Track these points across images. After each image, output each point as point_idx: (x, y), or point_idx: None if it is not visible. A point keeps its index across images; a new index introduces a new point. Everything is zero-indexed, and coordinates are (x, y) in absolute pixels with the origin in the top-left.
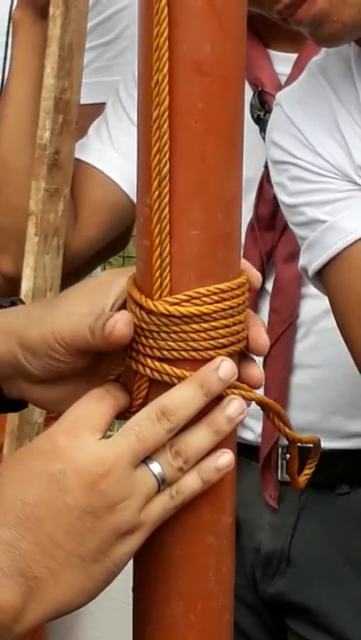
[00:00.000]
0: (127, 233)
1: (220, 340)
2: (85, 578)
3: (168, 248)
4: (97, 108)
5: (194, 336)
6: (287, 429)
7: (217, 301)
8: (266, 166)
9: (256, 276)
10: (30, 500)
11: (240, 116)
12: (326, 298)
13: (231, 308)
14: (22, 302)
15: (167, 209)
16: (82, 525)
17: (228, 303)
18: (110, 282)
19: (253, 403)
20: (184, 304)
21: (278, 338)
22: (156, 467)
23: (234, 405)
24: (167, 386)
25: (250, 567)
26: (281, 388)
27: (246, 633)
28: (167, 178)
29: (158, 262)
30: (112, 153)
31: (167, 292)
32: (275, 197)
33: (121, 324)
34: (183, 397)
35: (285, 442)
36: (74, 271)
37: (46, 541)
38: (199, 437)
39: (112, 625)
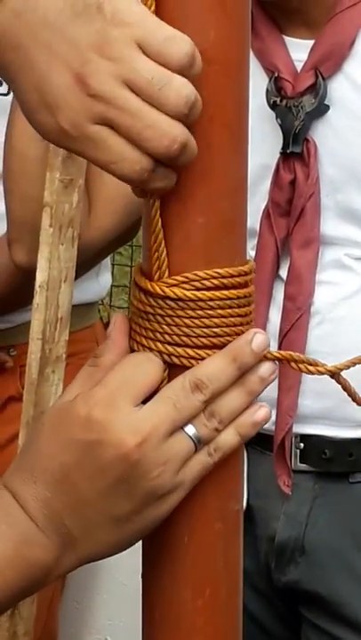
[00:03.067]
0: (138, 223)
1: (215, 330)
2: (118, 535)
3: (166, 246)
4: None
5: (187, 322)
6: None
7: (217, 287)
8: (281, 152)
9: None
10: (68, 463)
11: (245, 103)
12: (341, 285)
13: (230, 298)
14: None
15: (170, 196)
16: (117, 491)
17: (225, 292)
18: None
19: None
20: (183, 286)
21: (293, 325)
22: (190, 429)
23: (266, 366)
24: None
25: (264, 556)
26: (295, 376)
27: (260, 621)
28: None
29: (161, 249)
30: None
31: (167, 276)
32: (290, 183)
33: None
34: (217, 370)
35: (299, 431)
36: (87, 261)
37: (81, 503)
38: (233, 398)
39: (124, 614)
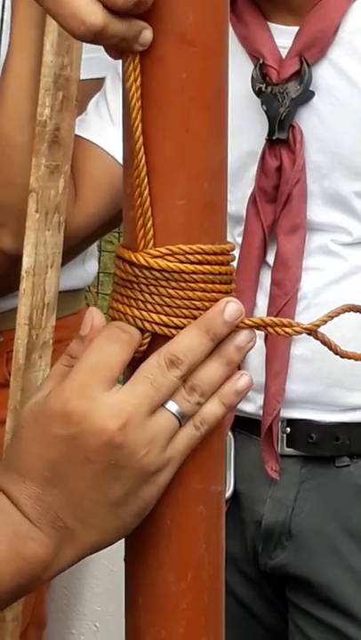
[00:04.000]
0: None
1: (196, 302)
2: (117, 520)
3: (152, 217)
4: (96, 84)
5: (171, 292)
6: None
7: (200, 262)
8: (267, 139)
9: None
10: (53, 459)
11: (224, 86)
12: (328, 270)
13: (212, 273)
14: None
15: (147, 179)
16: (106, 476)
17: (208, 267)
18: None
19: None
20: (167, 258)
21: (280, 310)
22: (172, 405)
23: (242, 335)
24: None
25: (250, 540)
26: (282, 360)
27: (247, 605)
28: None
29: (142, 232)
30: (111, 129)
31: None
32: (276, 170)
33: None
34: (190, 344)
35: (286, 415)
36: (73, 247)
37: (73, 494)
38: (212, 370)
39: (113, 600)
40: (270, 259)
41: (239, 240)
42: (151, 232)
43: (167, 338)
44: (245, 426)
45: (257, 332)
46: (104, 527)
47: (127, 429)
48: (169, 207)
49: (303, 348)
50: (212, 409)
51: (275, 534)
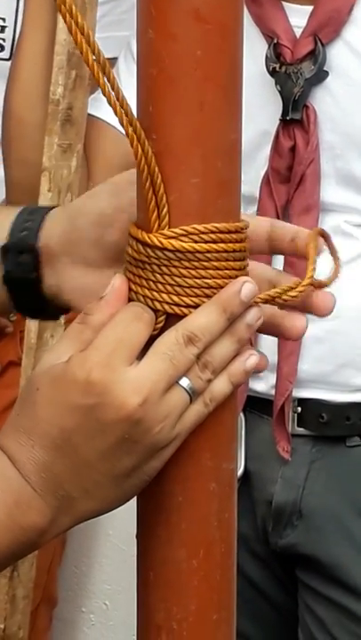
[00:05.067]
0: None
1: (208, 281)
2: (118, 491)
3: (165, 195)
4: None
5: (183, 272)
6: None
7: (214, 241)
8: (281, 119)
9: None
10: (67, 427)
11: (239, 64)
12: (341, 251)
13: (226, 251)
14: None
15: (160, 157)
16: (118, 450)
17: (222, 245)
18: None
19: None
20: (181, 238)
21: None
22: (185, 381)
23: (252, 312)
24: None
25: (261, 519)
26: (295, 342)
27: (257, 584)
28: (164, 125)
29: (156, 212)
30: None
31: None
32: (290, 150)
33: None
34: (208, 322)
35: (297, 395)
36: None
37: (82, 465)
38: (224, 347)
39: (123, 579)
40: None
41: None
42: (165, 211)
43: (180, 317)
44: (256, 405)
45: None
46: (105, 497)
47: (146, 406)
48: (183, 185)
49: (316, 328)
50: (221, 386)
51: (285, 514)
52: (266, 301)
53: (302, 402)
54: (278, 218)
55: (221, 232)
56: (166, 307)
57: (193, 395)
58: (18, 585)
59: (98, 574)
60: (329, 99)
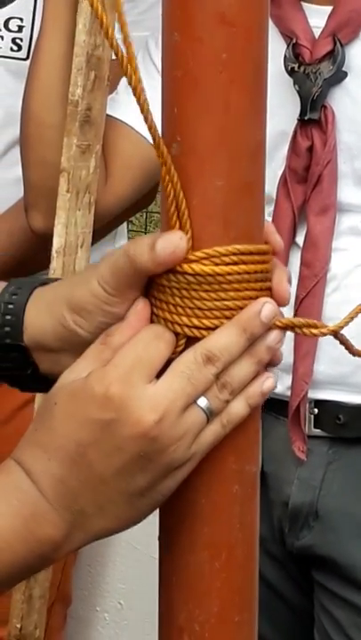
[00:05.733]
0: (154, 189)
1: (228, 303)
2: (132, 510)
3: (190, 199)
4: None
5: (203, 295)
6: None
7: (235, 262)
8: (299, 119)
9: (278, 242)
10: (84, 442)
11: (264, 67)
12: (358, 251)
13: (247, 273)
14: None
15: (188, 159)
16: (133, 467)
17: (243, 267)
18: None
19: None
20: (203, 262)
21: (309, 292)
22: (203, 401)
23: (273, 334)
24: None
25: (277, 521)
26: (311, 342)
27: (273, 585)
28: (189, 127)
29: (177, 214)
30: None
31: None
32: (307, 150)
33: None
34: (228, 343)
35: (314, 396)
36: (103, 227)
37: (96, 480)
38: (243, 368)
39: (137, 578)
40: (300, 239)
41: (269, 220)
42: (188, 233)
43: (199, 339)
44: (272, 406)
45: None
46: (118, 515)
47: (163, 424)
48: (207, 187)
49: None
50: (239, 408)
51: (302, 515)
52: (286, 327)
53: (319, 403)
54: (295, 218)
55: (243, 254)
56: (186, 330)
57: (210, 415)
58: (34, 585)
59: (112, 573)
60: (347, 99)
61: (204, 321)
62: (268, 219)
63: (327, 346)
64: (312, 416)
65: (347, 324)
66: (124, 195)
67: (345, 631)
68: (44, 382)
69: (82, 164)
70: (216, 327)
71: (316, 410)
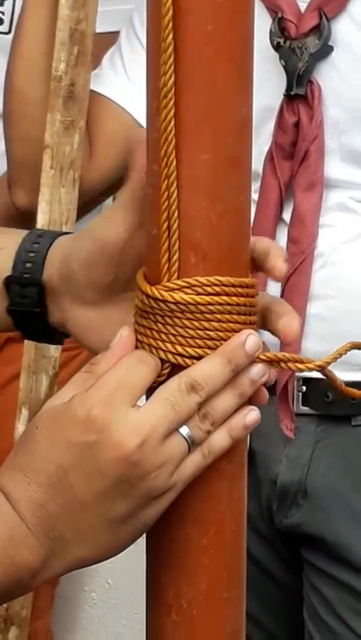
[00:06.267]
0: None
1: (210, 333)
2: (113, 538)
3: (175, 172)
4: (110, 37)
5: (186, 323)
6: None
7: (217, 293)
8: (285, 94)
9: (280, 267)
10: (64, 465)
11: (250, 40)
12: (345, 228)
13: (229, 304)
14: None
15: (174, 132)
16: (114, 492)
17: (225, 298)
18: None
19: (268, 333)
20: (184, 290)
21: (296, 268)
22: (185, 430)
23: (257, 368)
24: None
25: (265, 499)
26: (299, 319)
27: (261, 564)
28: (173, 100)
29: (165, 184)
30: (126, 84)
31: (175, 224)
32: (294, 126)
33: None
34: (212, 372)
35: (302, 374)
36: (87, 202)
37: (76, 505)
38: (225, 400)
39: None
40: (287, 216)
41: (255, 197)
42: (176, 266)
43: (183, 368)
44: None
45: (273, 287)
46: (98, 543)
47: (144, 448)
48: (194, 161)
49: (320, 306)
50: (220, 439)
51: (290, 493)
52: (271, 361)
53: (307, 381)
54: (282, 194)
55: (225, 285)
56: (170, 356)
57: (192, 444)
58: None
59: (99, 568)
60: (334, 74)
61: (188, 349)
62: (255, 196)
63: (315, 323)
64: (300, 394)
65: (335, 359)
66: (108, 170)
67: (334, 609)
68: (53, 335)
69: (65, 140)
70: (200, 356)
71: (304, 387)
